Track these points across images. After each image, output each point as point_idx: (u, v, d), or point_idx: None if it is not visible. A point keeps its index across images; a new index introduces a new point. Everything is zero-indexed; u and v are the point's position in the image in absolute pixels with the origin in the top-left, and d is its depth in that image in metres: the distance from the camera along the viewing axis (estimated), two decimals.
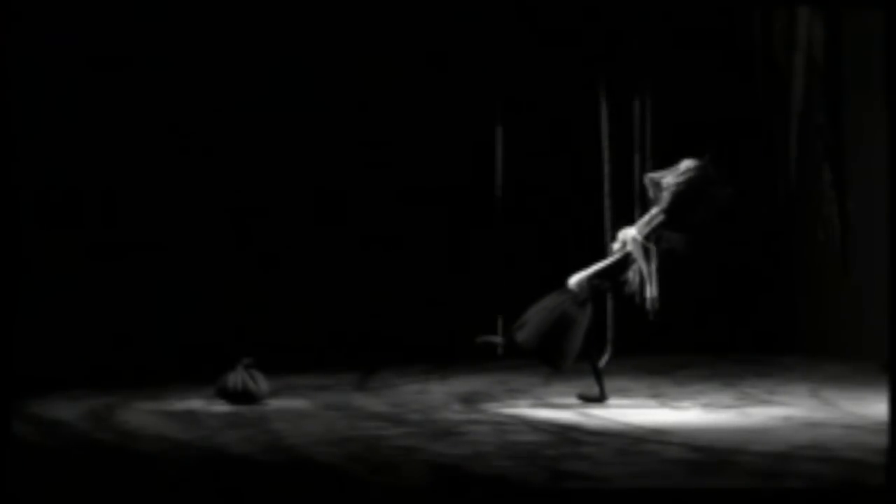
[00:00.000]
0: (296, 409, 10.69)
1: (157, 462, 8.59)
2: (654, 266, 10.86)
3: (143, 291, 13.63)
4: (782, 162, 14.76)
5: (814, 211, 14.46)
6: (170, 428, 9.76)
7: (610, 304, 11.23)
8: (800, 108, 14.57)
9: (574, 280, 10.90)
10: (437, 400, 11.19)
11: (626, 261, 10.89)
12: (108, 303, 13.42)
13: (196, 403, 10.90)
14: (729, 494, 7.50)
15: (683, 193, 10.81)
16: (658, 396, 11.32)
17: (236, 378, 10.90)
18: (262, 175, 14.25)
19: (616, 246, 11.02)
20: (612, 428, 9.59)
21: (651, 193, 11.07)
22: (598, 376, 10.86)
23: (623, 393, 11.50)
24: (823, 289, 14.45)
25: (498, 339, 11.42)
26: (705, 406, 10.74)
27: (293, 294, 14.27)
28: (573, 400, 10.96)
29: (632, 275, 10.86)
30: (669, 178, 10.92)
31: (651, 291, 10.81)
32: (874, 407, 10.13)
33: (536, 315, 10.88)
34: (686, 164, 10.94)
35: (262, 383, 10.95)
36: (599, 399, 10.81)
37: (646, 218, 10.99)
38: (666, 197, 10.86)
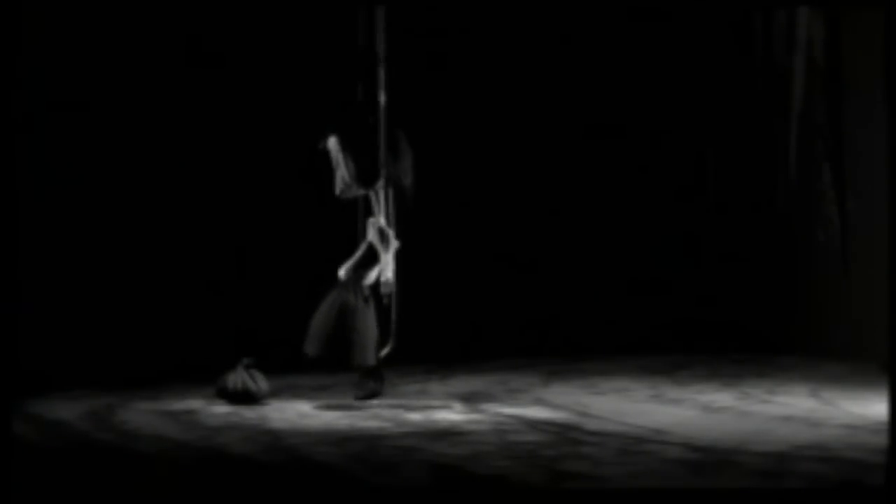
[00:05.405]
0: (296, 409, 10.69)
1: (157, 462, 8.59)
2: (392, 250, 10.95)
3: (142, 291, 13.60)
4: (782, 162, 14.75)
5: (814, 211, 14.45)
6: (169, 428, 9.75)
7: (394, 296, 11.18)
8: (800, 108, 14.56)
9: (342, 271, 10.96)
10: (436, 400, 11.19)
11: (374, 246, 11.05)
12: (107, 302, 13.39)
13: (196, 403, 10.90)
14: (729, 494, 7.51)
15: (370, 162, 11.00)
16: (658, 396, 11.32)
17: (236, 378, 10.91)
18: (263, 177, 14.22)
19: (370, 234, 11.11)
20: (612, 428, 9.59)
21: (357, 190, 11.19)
22: (377, 369, 10.88)
23: (623, 393, 11.50)
24: (823, 289, 14.44)
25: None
26: (705, 406, 10.74)
27: (293, 293, 14.25)
28: (573, 400, 10.96)
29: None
30: (345, 169, 11.06)
31: (385, 275, 10.91)
32: (874, 407, 10.14)
33: (317, 320, 10.88)
34: (331, 145, 11.04)
35: (262, 383, 10.95)
36: (375, 393, 10.85)
37: (377, 200, 11.11)
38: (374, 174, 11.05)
